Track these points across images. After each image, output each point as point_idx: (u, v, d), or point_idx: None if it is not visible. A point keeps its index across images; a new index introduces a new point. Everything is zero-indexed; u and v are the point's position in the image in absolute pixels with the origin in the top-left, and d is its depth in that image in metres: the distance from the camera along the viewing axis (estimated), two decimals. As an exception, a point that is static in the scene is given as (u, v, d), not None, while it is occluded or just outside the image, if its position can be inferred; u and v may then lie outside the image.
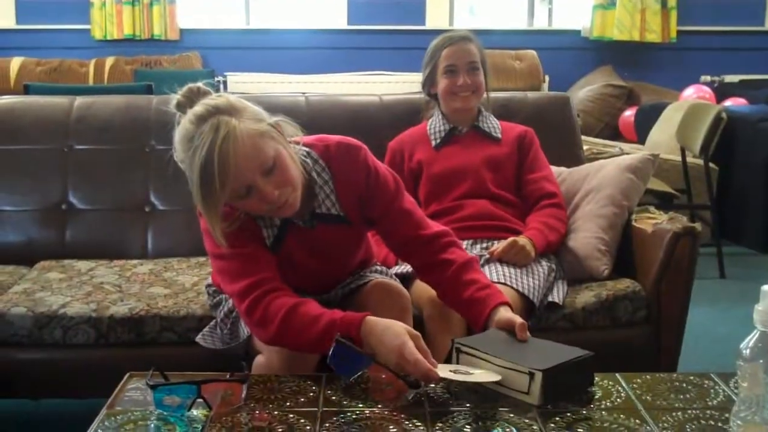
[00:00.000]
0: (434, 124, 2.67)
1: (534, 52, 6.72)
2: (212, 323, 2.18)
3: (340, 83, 6.48)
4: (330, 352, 1.62)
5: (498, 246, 2.37)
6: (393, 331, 1.66)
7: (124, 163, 2.86)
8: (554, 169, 2.67)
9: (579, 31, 7.06)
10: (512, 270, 2.30)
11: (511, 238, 2.38)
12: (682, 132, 4.79)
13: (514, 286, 2.24)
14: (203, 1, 7.32)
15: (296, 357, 1.84)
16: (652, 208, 2.61)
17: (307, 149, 1.93)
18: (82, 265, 2.64)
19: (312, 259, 1.99)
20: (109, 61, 6.56)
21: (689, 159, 4.77)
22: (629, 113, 6.22)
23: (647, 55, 6.98)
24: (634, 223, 2.52)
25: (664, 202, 4.45)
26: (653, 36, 6.83)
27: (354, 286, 2.06)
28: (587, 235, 2.49)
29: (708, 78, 6.86)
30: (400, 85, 6.38)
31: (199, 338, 2.16)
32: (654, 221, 2.47)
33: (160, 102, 2.92)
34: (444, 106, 2.67)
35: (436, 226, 2.06)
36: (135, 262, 2.68)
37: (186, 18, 7.10)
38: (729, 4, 6.87)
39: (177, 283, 2.44)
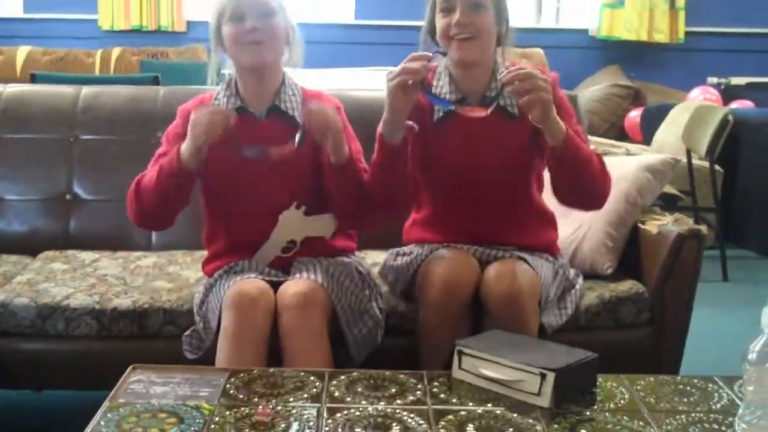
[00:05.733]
0: (439, 90, 2.20)
1: (541, 51, 6.68)
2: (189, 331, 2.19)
3: (347, 78, 6.45)
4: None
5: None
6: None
7: (130, 154, 2.84)
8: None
9: (586, 30, 7.03)
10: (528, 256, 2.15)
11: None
12: (688, 133, 4.77)
13: (531, 264, 2.10)
14: (210, -7, 7.31)
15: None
16: (657, 210, 2.60)
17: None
18: (86, 256, 2.64)
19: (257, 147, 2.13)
20: (116, 51, 6.54)
21: (695, 161, 4.75)
22: (635, 114, 6.20)
23: (654, 55, 6.95)
24: (639, 225, 2.51)
25: (668, 203, 4.43)
26: (661, 36, 6.81)
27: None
28: (595, 229, 2.47)
29: (715, 80, 6.82)
30: (407, 81, 6.34)
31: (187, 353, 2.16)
32: (659, 222, 2.46)
33: (167, 94, 2.92)
34: (449, 59, 2.17)
35: None
36: (139, 254, 2.67)
37: (193, 10, 7.08)
38: (738, 6, 6.82)
39: (181, 278, 2.43)
